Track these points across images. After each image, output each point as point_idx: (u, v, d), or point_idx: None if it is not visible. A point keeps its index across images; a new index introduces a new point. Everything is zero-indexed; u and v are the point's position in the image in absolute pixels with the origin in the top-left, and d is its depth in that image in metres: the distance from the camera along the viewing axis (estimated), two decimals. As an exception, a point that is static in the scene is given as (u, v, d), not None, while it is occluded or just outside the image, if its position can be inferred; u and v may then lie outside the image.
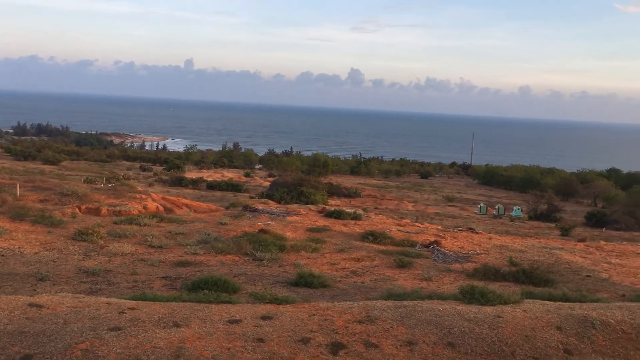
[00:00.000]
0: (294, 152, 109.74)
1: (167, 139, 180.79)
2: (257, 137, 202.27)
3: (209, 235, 19.16)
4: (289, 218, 23.55)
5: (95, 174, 49.87)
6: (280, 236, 19.40)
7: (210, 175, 62.22)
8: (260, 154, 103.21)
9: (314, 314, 8.44)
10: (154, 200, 26.14)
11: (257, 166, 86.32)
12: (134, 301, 8.98)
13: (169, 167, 66.41)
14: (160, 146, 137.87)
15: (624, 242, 26.57)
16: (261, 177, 65.75)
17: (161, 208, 25.26)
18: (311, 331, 7.76)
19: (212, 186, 49.94)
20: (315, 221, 23.40)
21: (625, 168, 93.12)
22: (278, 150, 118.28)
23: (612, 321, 8.50)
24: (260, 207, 27.01)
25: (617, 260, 18.90)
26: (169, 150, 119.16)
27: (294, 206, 29.98)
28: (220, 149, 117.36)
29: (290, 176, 52.74)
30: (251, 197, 41.87)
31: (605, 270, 16.99)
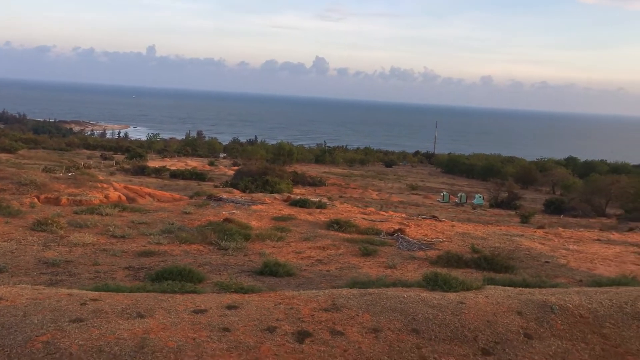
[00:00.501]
0: (259, 141, 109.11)
1: (129, 127, 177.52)
2: (221, 126, 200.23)
3: (172, 224, 18.94)
4: (254, 207, 23.46)
5: (54, 163, 48.63)
6: (246, 225, 19.32)
7: (174, 164, 61.42)
8: (224, 143, 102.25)
9: (279, 303, 8.45)
10: (115, 189, 25.68)
11: (222, 155, 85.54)
12: (97, 292, 8.82)
13: (131, 155, 65.26)
14: (121, 134, 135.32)
15: (581, 229, 27.36)
16: (225, 166, 65.23)
17: (123, 197, 24.85)
18: (277, 320, 7.76)
19: (175, 175, 49.35)
20: (280, 210, 23.37)
21: (582, 157, 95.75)
22: (242, 139, 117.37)
23: (570, 306, 8.75)
24: (224, 196, 26.83)
25: (575, 246, 19.46)
26: (131, 138, 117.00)
27: (259, 195, 29.88)
28: (184, 137, 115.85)
29: (255, 165, 52.51)
30: (215, 186, 41.55)
31: (564, 256, 17.47)
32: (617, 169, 67.72)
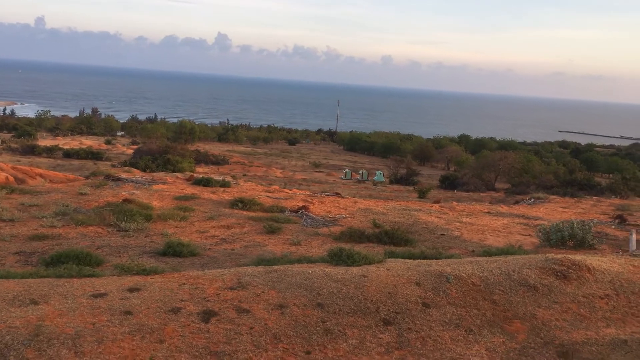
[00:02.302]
0: (159, 119, 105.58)
1: (16, 104, 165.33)
2: (119, 103, 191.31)
3: (67, 206, 18.00)
4: (155, 187, 22.79)
5: None
6: (147, 205, 18.75)
7: (67, 143, 58.26)
8: (122, 121, 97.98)
9: (184, 283, 8.33)
10: (2, 170, 23.99)
11: (119, 133, 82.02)
12: (-16, 280, 8.27)
13: (19, 134, 61.24)
14: (7, 111, 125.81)
15: (473, 203, 28.98)
16: (124, 145, 62.71)
17: (11, 178, 23.28)
18: (181, 300, 7.65)
19: (69, 154, 46.87)
20: (183, 189, 22.88)
21: (474, 134, 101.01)
22: (142, 117, 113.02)
23: (464, 275, 9.30)
24: (123, 175, 25.82)
25: (467, 219, 20.59)
26: (18, 116, 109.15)
27: (160, 174, 29.06)
28: (78, 115, 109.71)
29: (156, 144, 50.89)
30: (114, 166, 39.90)
31: (457, 228, 18.45)
32: (505, 146, 72.10)
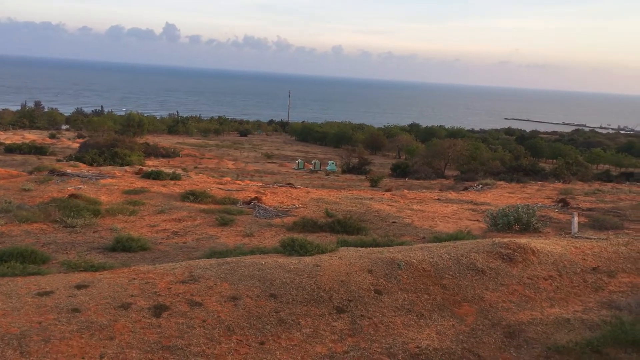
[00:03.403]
0: (106, 112, 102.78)
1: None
2: (64, 96, 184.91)
3: (9, 203, 17.37)
4: (102, 181, 22.25)
5: None
6: (94, 200, 18.31)
7: (9, 137, 56.06)
8: (67, 114, 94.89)
9: (134, 278, 8.18)
10: (-62, 167, 22.92)
11: (64, 127, 79.47)
12: None
13: (-46, 129, 58.51)
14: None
15: (424, 190, 29.50)
16: (69, 139, 60.84)
17: (-52, 176, 22.26)
18: (132, 296, 7.53)
19: (11, 149, 45.14)
20: (132, 183, 22.42)
21: (424, 123, 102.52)
22: (88, 110, 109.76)
23: (415, 261, 9.47)
24: (69, 170, 25.09)
25: (418, 206, 20.95)
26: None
27: (108, 168, 28.38)
28: (19, 108, 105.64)
29: (103, 137, 49.60)
30: (59, 160, 38.65)
31: (409, 216, 18.76)
32: (454, 134, 73.49)
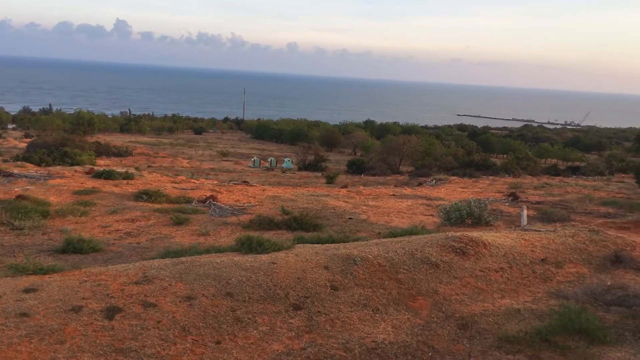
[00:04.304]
0: (54, 110, 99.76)
1: None
2: (10, 94, 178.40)
3: (-48, 206, 16.70)
4: (51, 181, 21.63)
5: None
6: (43, 201, 17.78)
7: (-50, 137, 53.83)
8: (13, 113, 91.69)
9: (85, 281, 7.99)
10: None
11: (10, 126, 76.80)
12: None
13: None
14: None
15: (379, 186, 29.81)
16: (16, 138, 58.86)
17: None
18: (83, 298, 7.35)
19: (-48, 150, 43.32)
20: (82, 183, 21.87)
21: (378, 119, 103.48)
22: (35, 108, 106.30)
23: (370, 257, 9.57)
24: (16, 171, 24.27)
25: (374, 202, 21.16)
26: None
27: (57, 168, 27.60)
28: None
29: (51, 136, 48.17)
30: (5, 161, 37.31)
31: (364, 212, 18.92)
32: (408, 130, 74.40)
